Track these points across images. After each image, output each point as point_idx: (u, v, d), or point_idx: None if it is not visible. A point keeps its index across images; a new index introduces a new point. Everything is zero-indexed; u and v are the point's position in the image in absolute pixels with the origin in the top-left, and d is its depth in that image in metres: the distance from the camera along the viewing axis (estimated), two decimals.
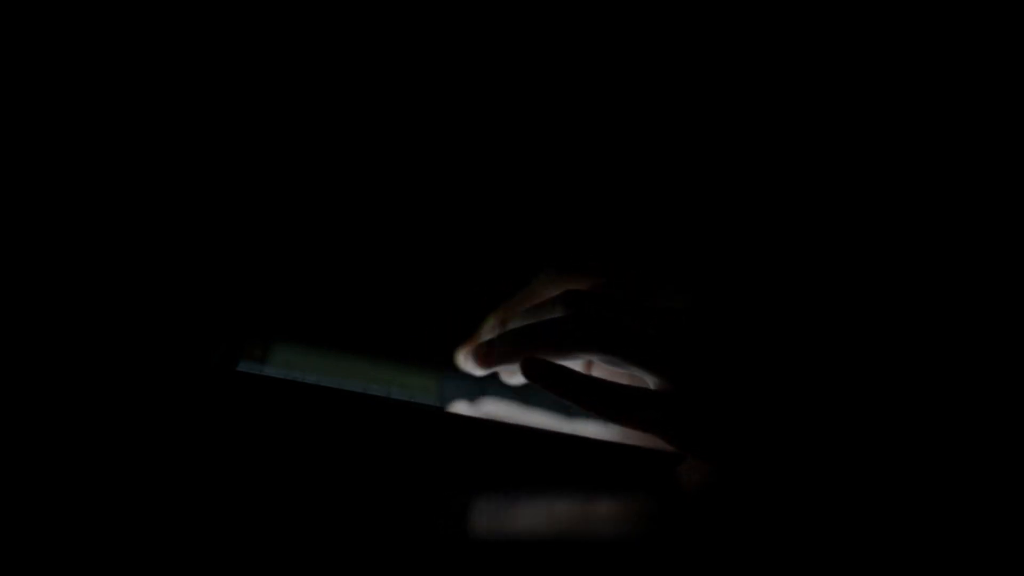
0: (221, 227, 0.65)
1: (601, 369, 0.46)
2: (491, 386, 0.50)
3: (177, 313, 0.56)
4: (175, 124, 0.63)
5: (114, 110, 0.61)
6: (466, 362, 0.45)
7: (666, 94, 0.70)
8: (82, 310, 0.51)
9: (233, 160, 0.65)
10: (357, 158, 0.68)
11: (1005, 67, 0.65)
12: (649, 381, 0.41)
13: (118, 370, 0.41)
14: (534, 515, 0.35)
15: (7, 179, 0.58)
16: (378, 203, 0.69)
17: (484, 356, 0.43)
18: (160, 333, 0.50)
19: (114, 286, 0.57)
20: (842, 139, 0.69)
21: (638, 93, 0.70)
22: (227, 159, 0.65)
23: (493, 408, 0.48)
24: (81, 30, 0.60)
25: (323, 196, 0.68)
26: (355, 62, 0.67)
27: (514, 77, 0.70)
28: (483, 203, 0.71)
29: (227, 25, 0.64)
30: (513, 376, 0.48)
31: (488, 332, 0.50)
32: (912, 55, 0.67)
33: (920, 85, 0.67)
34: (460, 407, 0.45)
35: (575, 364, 0.44)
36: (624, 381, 0.42)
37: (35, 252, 0.56)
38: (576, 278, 0.49)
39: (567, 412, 0.50)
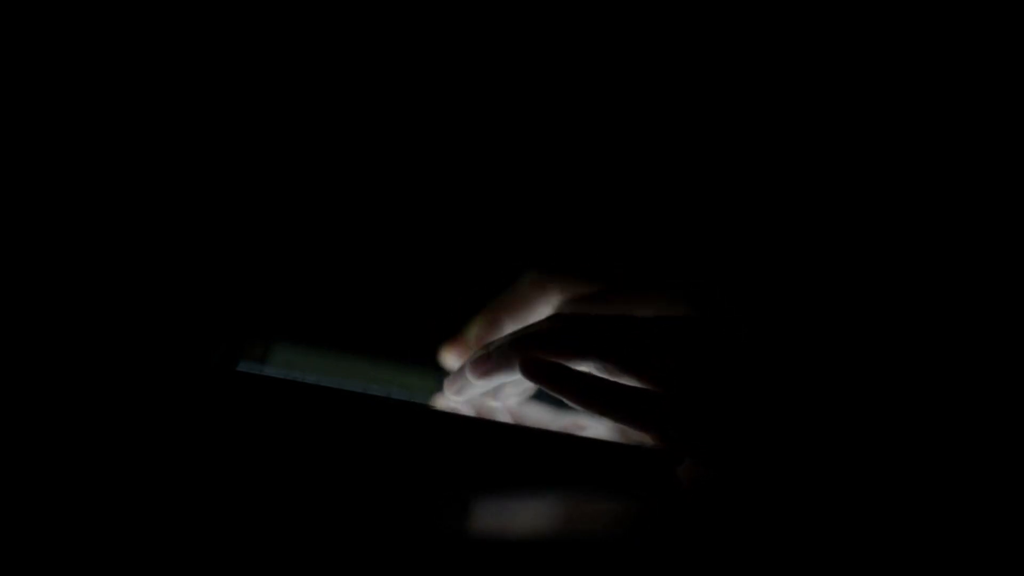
0: (221, 228, 0.65)
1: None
2: None
3: (177, 313, 0.56)
4: (175, 125, 0.63)
5: (114, 110, 0.62)
6: (453, 384, 0.44)
7: (662, 95, 0.70)
8: (83, 310, 0.51)
9: (233, 161, 0.65)
10: (356, 159, 0.69)
11: (1005, 67, 0.65)
12: (645, 386, 0.41)
13: (119, 370, 0.41)
14: (534, 515, 0.35)
15: (7, 179, 0.58)
16: (377, 203, 0.69)
17: (482, 368, 0.42)
18: (160, 333, 0.50)
19: (115, 286, 0.57)
20: (838, 144, 0.69)
21: (634, 93, 0.70)
22: (227, 160, 0.65)
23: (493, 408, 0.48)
24: (81, 30, 0.60)
25: (322, 196, 0.68)
26: (355, 62, 0.67)
27: (512, 79, 0.70)
28: (482, 203, 0.71)
29: (227, 25, 0.64)
30: (506, 384, 0.48)
31: (475, 335, 0.49)
32: (912, 55, 0.67)
33: (921, 86, 0.67)
34: (460, 407, 0.45)
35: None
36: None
37: (36, 252, 0.56)
38: (562, 280, 0.49)
39: (567, 412, 0.50)
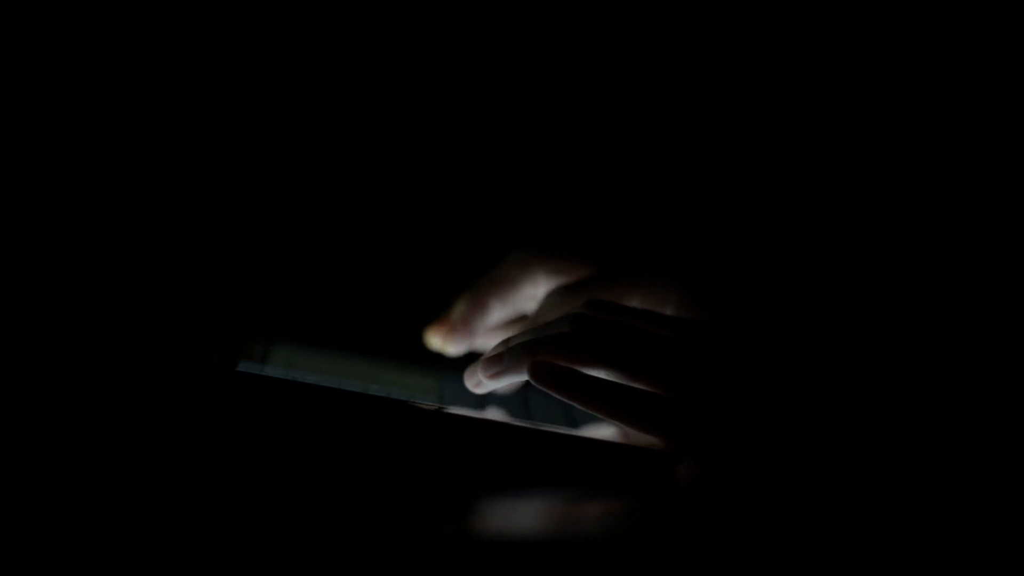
0: (221, 227, 0.65)
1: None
2: None
3: (177, 313, 0.56)
4: (175, 124, 0.63)
5: (114, 110, 0.62)
6: (471, 378, 0.44)
7: (670, 95, 0.70)
8: (82, 310, 0.51)
9: (233, 160, 0.66)
10: (356, 158, 0.69)
11: (1005, 67, 0.65)
12: (654, 390, 0.41)
13: (118, 370, 0.42)
14: (534, 515, 0.35)
15: (7, 179, 0.58)
16: (377, 203, 0.69)
17: (493, 369, 0.42)
18: (160, 333, 0.50)
19: (114, 286, 0.57)
20: (844, 146, 0.69)
21: (641, 93, 0.70)
22: (227, 159, 0.65)
23: (493, 408, 0.48)
24: (81, 30, 0.60)
25: (322, 196, 0.68)
26: (354, 62, 0.67)
27: (512, 76, 0.70)
28: (483, 203, 0.71)
29: (227, 25, 0.64)
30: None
31: (460, 315, 0.50)
32: (912, 55, 0.67)
33: (921, 86, 0.67)
34: (460, 407, 0.45)
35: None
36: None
37: (35, 252, 0.56)
38: (548, 261, 0.49)
39: (567, 413, 0.50)
